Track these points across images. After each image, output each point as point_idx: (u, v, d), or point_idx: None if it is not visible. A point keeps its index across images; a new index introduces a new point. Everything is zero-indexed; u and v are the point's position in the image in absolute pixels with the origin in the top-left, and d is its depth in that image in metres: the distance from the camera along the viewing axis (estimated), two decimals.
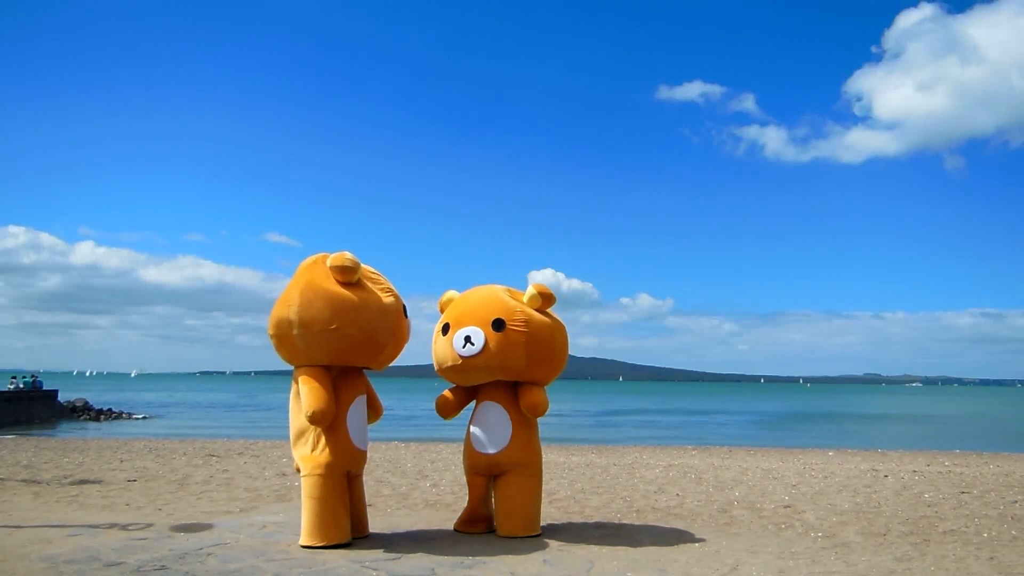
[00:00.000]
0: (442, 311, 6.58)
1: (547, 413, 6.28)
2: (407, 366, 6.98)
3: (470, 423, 6.44)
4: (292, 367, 6.00)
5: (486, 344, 6.00)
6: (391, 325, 5.93)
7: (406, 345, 6.28)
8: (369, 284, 5.93)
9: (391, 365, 6.36)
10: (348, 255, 5.72)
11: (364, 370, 6.24)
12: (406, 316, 6.18)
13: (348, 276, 5.72)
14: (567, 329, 6.60)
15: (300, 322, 5.65)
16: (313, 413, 5.55)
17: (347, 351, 5.76)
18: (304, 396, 5.63)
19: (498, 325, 6.02)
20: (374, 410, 6.33)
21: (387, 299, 5.93)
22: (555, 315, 6.52)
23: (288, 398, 6.06)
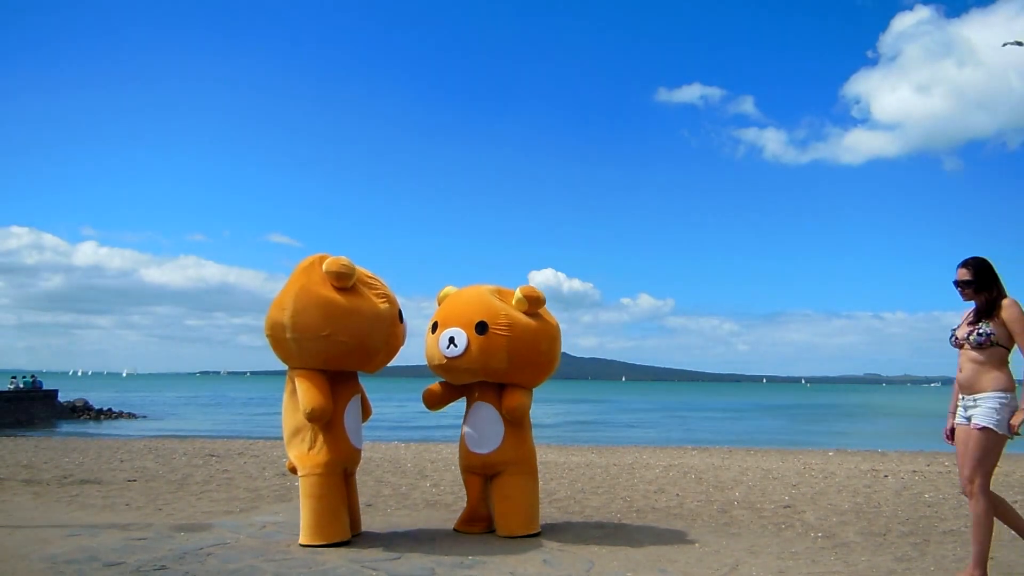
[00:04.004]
0: (439, 306, 6.56)
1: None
2: (407, 366, 6.94)
3: (463, 423, 6.43)
4: (287, 367, 5.98)
5: (468, 346, 5.95)
6: (384, 332, 5.84)
7: (401, 348, 6.20)
8: (365, 289, 5.82)
9: (388, 365, 6.32)
10: (344, 260, 5.62)
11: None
12: (401, 321, 6.08)
13: (343, 282, 5.63)
14: (565, 330, 6.56)
15: (293, 327, 5.61)
16: (312, 411, 5.53)
17: (339, 357, 5.71)
18: (302, 395, 5.62)
19: (481, 328, 5.98)
20: (364, 411, 6.31)
21: (382, 305, 5.82)
22: (548, 316, 6.44)
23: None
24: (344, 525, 5.80)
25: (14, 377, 35.63)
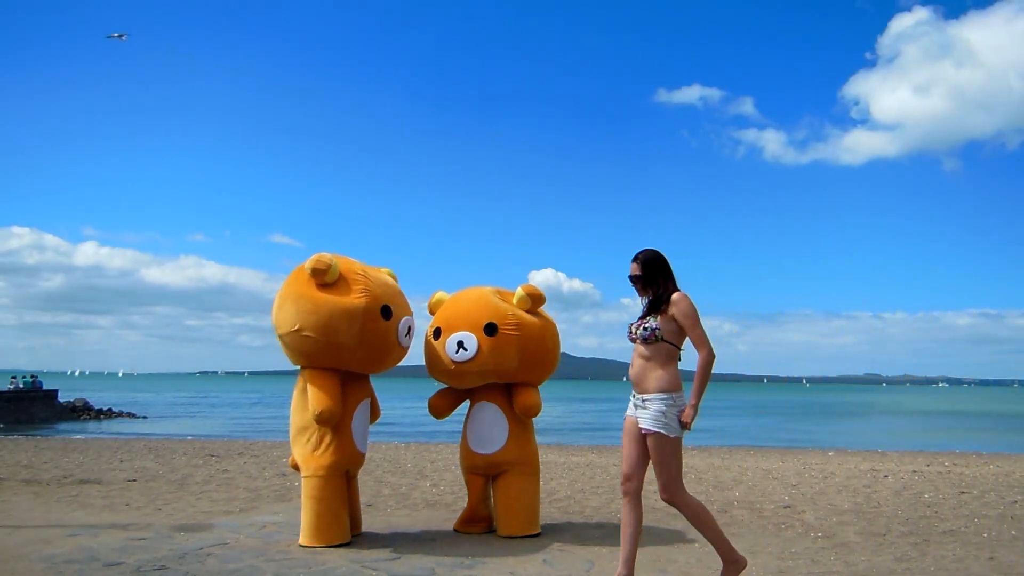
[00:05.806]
0: (432, 312, 6.51)
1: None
2: (408, 366, 6.89)
3: (466, 424, 6.41)
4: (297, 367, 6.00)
5: (479, 349, 5.92)
6: (357, 328, 5.53)
7: (403, 348, 6.01)
8: (348, 284, 5.60)
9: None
10: (323, 257, 5.49)
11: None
12: (387, 318, 5.70)
13: (320, 278, 5.53)
14: (562, 328, 6.55)
15: (276, 324, 5.71)
16: (322, 412, 5.51)
17: (315, 354, 5.62)
18: (312, 396, 5.59)
19: (490, 329, 5.95)
20: (372, 413, 6.30)
21: (356, 300, 5.53)
22: (545, 314, 6.45)
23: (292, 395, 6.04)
24: (344, 528, 5.79)
25: (14, 377, 35.64)
